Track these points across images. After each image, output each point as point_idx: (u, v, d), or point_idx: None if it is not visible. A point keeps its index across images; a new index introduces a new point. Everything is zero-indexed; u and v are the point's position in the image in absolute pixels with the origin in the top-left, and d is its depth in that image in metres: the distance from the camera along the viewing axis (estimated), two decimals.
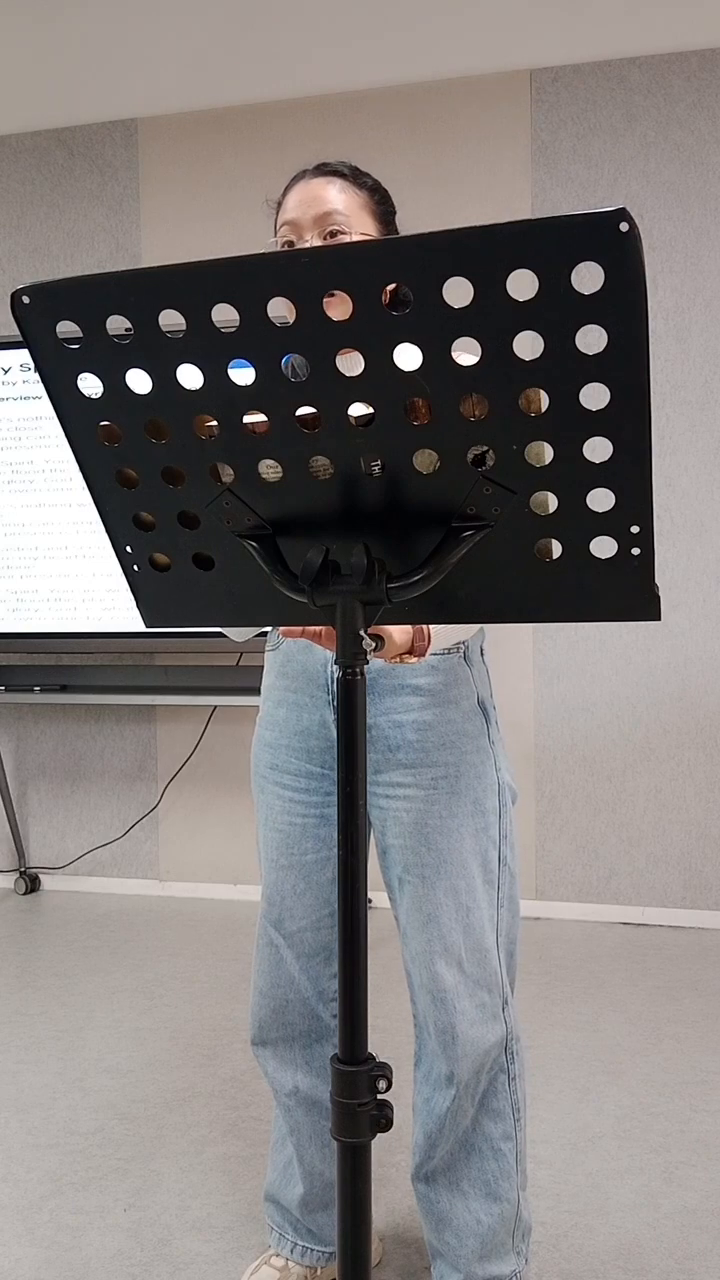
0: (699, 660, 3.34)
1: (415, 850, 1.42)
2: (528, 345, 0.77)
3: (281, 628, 1.14)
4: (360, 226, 1.37)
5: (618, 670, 3.40)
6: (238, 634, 1.46)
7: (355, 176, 1.41)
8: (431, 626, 1.19)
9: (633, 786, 3.41)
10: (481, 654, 1.49)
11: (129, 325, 0.83)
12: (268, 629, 1.51)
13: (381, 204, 1.43)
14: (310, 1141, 1.58)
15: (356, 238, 1.35)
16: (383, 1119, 0.92)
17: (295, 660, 1.47)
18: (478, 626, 1.44)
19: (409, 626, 1.16)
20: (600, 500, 0.83)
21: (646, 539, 0.84)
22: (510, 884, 1.48)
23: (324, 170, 1.40)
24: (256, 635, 1.55)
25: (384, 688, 1.41)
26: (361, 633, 0.91)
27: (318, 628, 1.11)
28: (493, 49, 3.24)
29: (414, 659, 1.19)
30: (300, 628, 1.11)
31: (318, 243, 1.35)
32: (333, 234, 1.35)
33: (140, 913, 3.56)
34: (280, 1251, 1.63)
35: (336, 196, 1.37)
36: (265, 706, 1.54)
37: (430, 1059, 1.47)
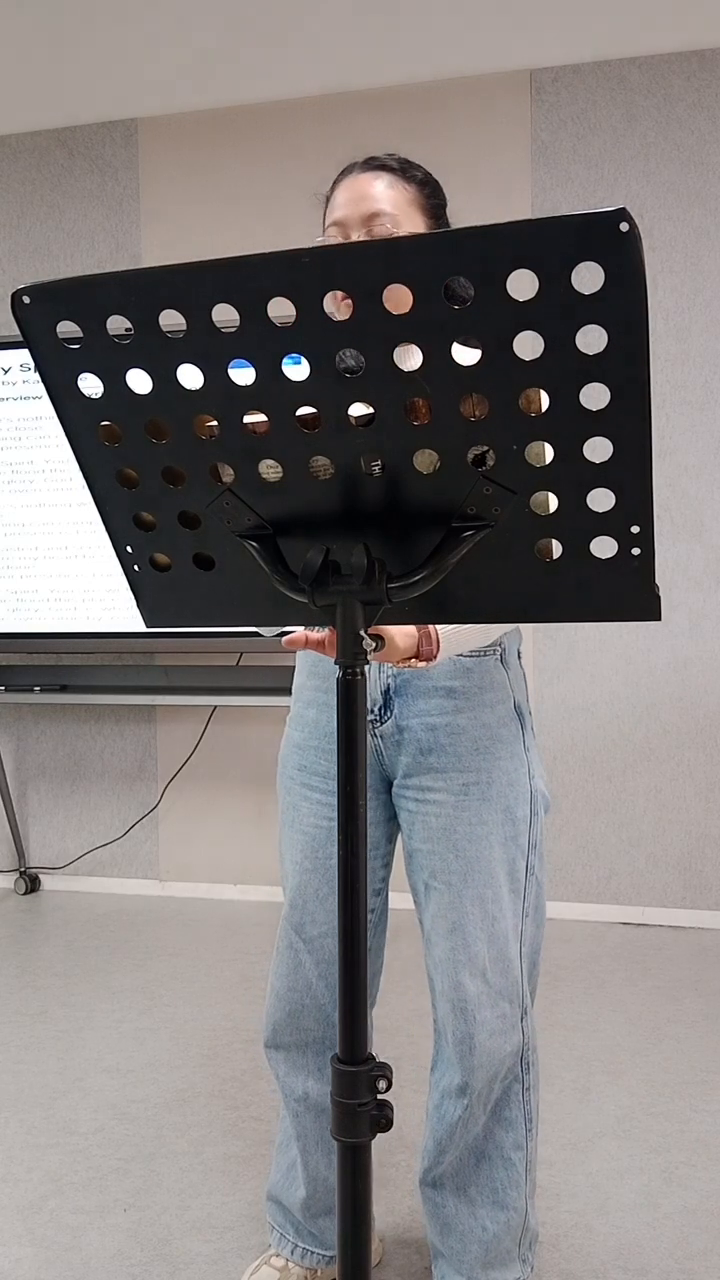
0: (699, 660, 3.34)
1: (442, 856, 1.40)
2: (528, 345, 0.77)
3: (284, 640, 1.13)
4: (409, 224, 1.34)
5: (618, 670, 3.40)
6: (269, 629, 1.43)
7: (404, 170, 1.37)
8: (443, 633, 1.18)
9: (633, 786, 3.41)
10: (518, 656, 1.46)
11: (129, 325, 0.83)
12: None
13: (431, 198, 1.39)
14: (316, 1147, 1.57)
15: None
16: (383, 1119, 0.92)
17: (325, 660, 1.45)
18: (499, 632, 1.40)
19: (413, 630, 1.15)
20: (600, 500, 0.83)
21: (647, 539, 0.84)
22: (537, 893, 1.45)
23: (372, 165, 1.37)
24: (277, 635, 1.52)
25: (417, 690, 1.39)
26: (361, 633, 0.91)
27: (320, 637, 1.10)
28: (493, 49, 3.24)
29: (422, 664, 1.17)
30: (304, 638, 1.10)
31: None
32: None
33: (140, 913, 3.56)
34: (280, 1252, 1.63)
35: (384, 193, 1.33)
36: (295, 706, 1.52)
37: (445, 1066, 1.46)
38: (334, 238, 1.35)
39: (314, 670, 1.48)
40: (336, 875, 1.45)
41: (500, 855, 1.40)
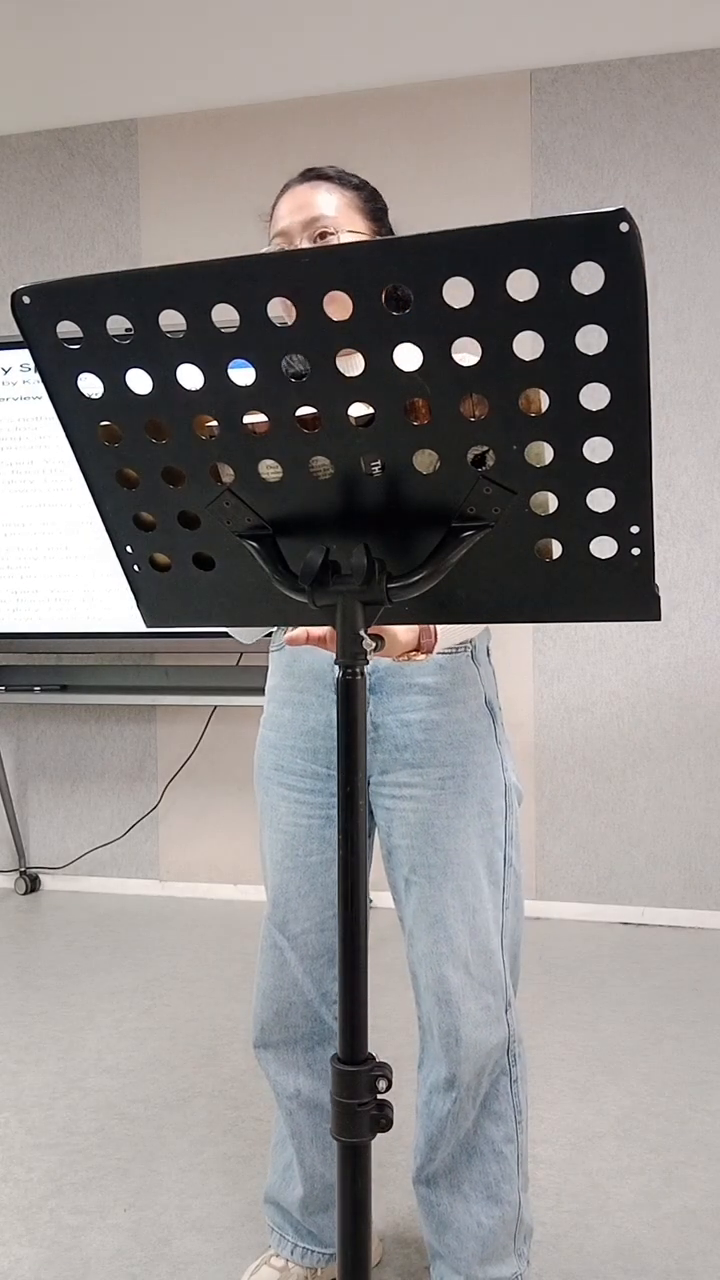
0: (699, 660, 3.34)
1: (422, 851, 1.42)
2: (528, 345, 0.77)
3: (286, 638, 1.13)
4: (349, 225, 1.38)
5: (618, 670, 3.40)
6: (245, 635, 1.46)
7: (340, 178, 1.43)
8: (440, 629, 1.19)
9: (633, 786, 3.41)
10: (488, 654, 1.49)
11: (129, 325, 0.83)
12: (273, 628, 1.51)
13: (370, 201, 1.44)
14: (311, 1144, 1.57)
15: (346, 237, 1.37)
16: (383, 1119, 0.92)
17: (302, 660, 1.46)
18: (483, 625, 1.44)
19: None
20: (600, 500, 0.83)
21: (646, 539, 0.84)
22: (515, 885, 1.47)
23: (310, 175, 1.42)
24: (265, 636, 1.54)
25: (391, 686, 1.41)
26: (361, 633, 0.91)
27: (322, 633, 1.11)
28: (493, 49, 3.24)
29: (421, 656, 1.18)
30: (305, 634, 1.11)
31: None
32: (322, 235, 1.37)
33: (140, 913, 3.56)
34: (280, 1252, 1.63)
35: (324, 199, 1.39)
36: (270, 707, 1.54)
37: (432, 1061, 1.47)
38: (280, 247, 1.40)
39: (289, 670, 1.49)
40: (319, 873, 1.49)
41: (478, 848, 1.42)
